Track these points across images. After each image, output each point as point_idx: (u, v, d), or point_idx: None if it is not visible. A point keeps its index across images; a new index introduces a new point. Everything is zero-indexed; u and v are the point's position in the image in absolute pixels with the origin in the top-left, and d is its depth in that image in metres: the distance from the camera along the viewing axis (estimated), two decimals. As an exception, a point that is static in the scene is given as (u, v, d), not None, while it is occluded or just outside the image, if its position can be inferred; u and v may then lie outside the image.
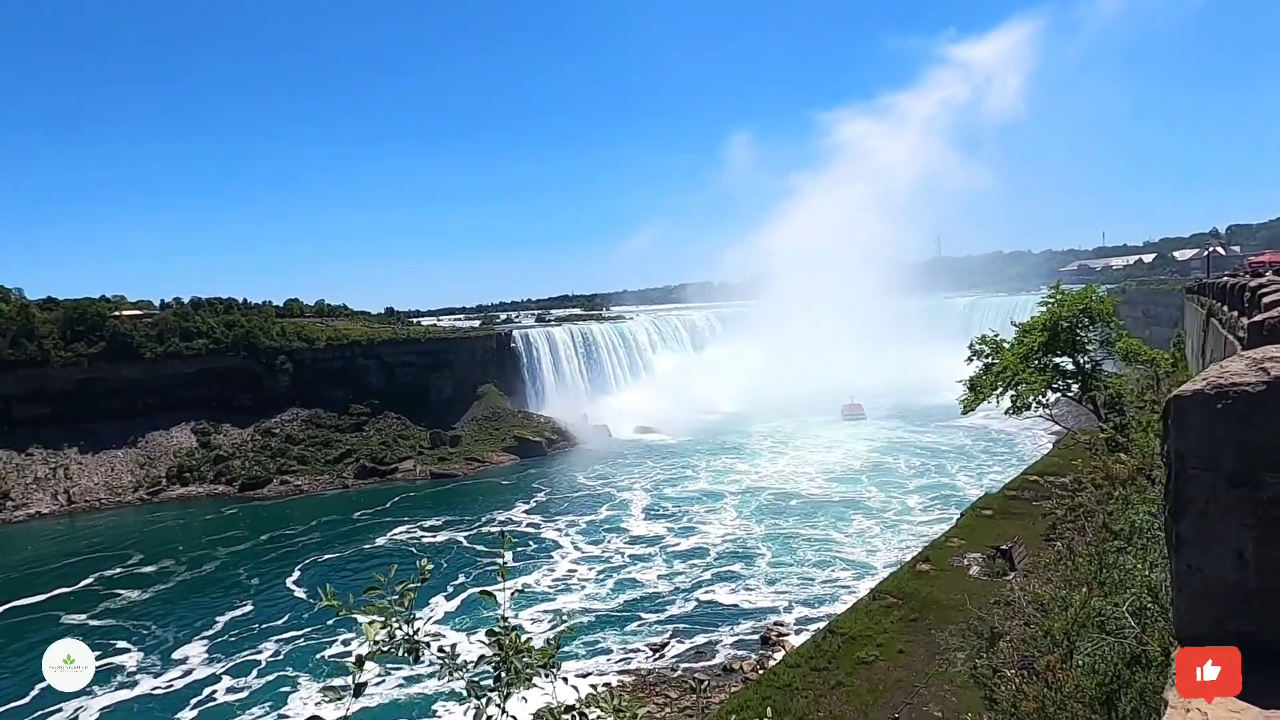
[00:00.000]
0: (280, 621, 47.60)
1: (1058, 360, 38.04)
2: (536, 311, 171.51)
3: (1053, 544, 22.82)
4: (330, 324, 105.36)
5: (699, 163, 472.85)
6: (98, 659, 43.02)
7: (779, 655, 33.56)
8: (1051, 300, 38.60)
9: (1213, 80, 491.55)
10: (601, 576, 52.20)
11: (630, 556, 55.76)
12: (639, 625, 44.19)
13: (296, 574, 56.19)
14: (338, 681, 38.58)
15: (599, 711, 3.60)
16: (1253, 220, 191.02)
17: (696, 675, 36.45)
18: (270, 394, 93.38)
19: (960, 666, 14.53)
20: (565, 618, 44.40)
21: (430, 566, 3.66)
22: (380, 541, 63.33)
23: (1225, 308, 25.52)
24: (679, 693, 35.15)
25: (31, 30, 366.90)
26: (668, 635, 42.47)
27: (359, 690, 3.28)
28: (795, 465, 79.21)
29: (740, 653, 39.45)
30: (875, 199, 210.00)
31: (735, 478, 75.96)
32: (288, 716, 36.89)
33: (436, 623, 43.37)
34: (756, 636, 41.17)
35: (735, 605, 46.04)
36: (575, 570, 53.61)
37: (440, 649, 3.50)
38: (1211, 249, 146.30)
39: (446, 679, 3.48)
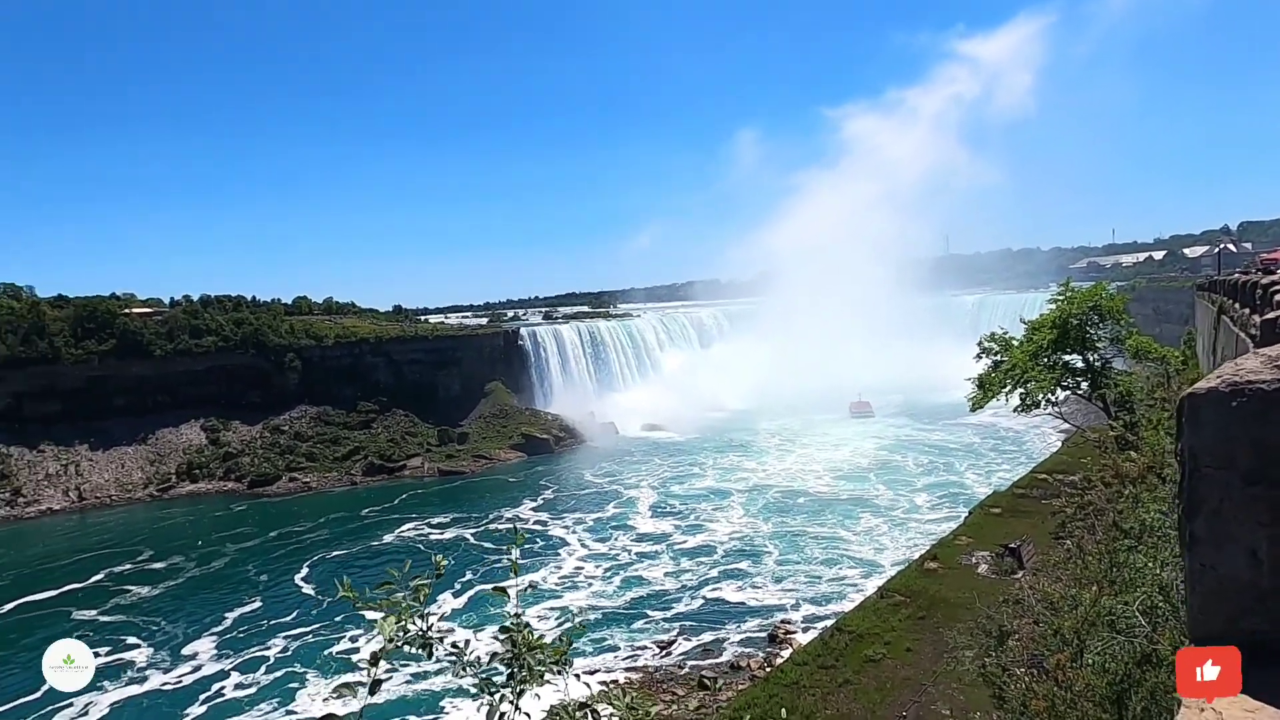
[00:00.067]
0: (289, 618, 47.81)
1: (1067, 358, 37.82)
2: (544, 309, 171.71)
3: (1062, 542, 22.73)
4: (338, 322, 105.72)
5: (705, 160, 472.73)
6: (108, 655, 43.50)
7: (786, 653, 33.54)
8: (1061, 297, 38.40)
9: (1223, 76, 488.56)
10: (609, 574, 52.24)
11: (637, 554, 55.79)
12: (646, 623, 44.22)
13: (305, 570, 56.43)
14: (350, 678, 38.82)
15: (611, 709, 3.60)
16: (1265, 217, 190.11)
17: (705, 673, 36.49)
18: (279, 391, 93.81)
19: (969, 665, 14.50)
20: (575, 614, 44.46)
21: (446, 563, 3.66)
22: (388, 539, 63.53)
23: (1237, 305, 25.35)
24: (686, 690, 35.17)
25: (32, 30, 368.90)
26: (675, 633, 42.50)
27: (375, 687, 3.29)
28: (803, 463, 79.09)
29: (748, 650, 39.45)
30: (883, 196, 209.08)
31: (742, 475, 75.90)
32: (296, 712, 37.04)
33: (444, 619, 43.48)
34: (764, 634, 41.17)
35: (742, 603, 46.01)
36: (582, 567, 53.66)
37: (453, 645, 3.50)
38: (1222, 246, 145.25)
39: (459, 675, 3.49)
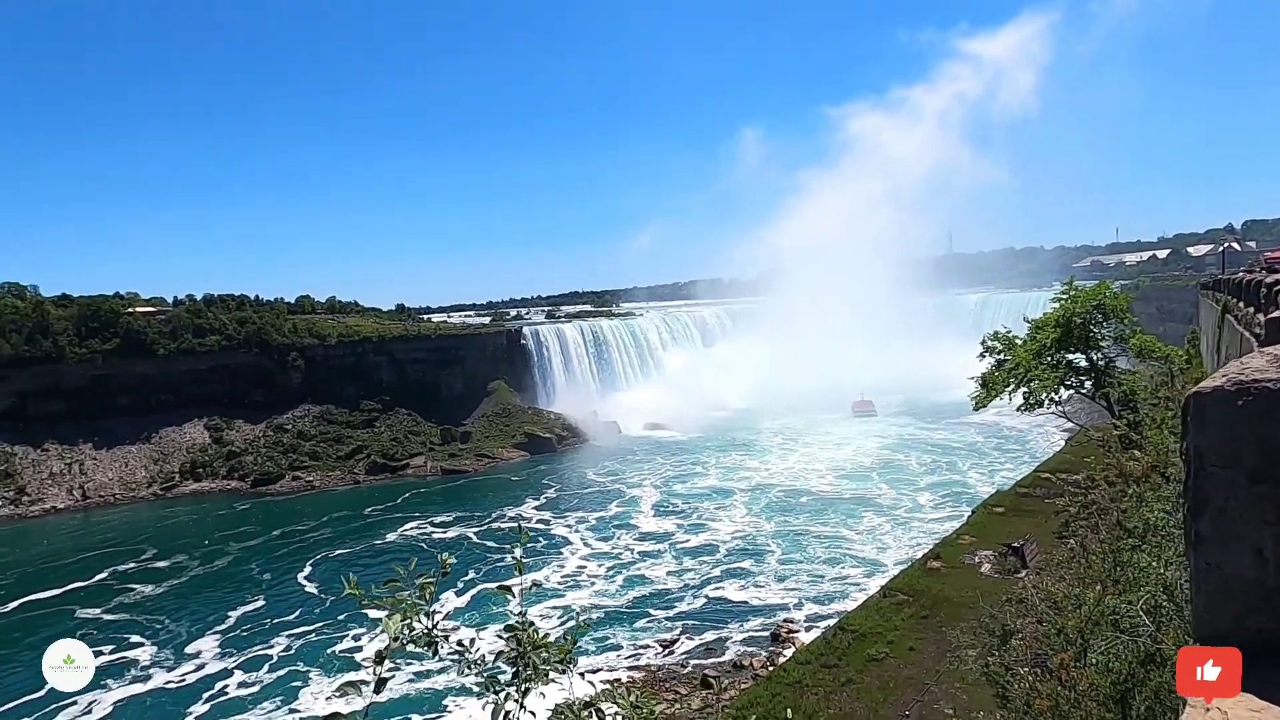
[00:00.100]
0: (292, 617, 47.90)
1: (1071, 357, 37.72)
2: (546, 308, 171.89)
3: (1065, 542, 22.70)
4: (341, 321, 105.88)
5: (707, 159, 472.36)
6: (111, 653, 43.61)
7: (789, 652, 33.55)
8: (1065, 296, 38.31)
9: (1228, 74, 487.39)
10: (611, 573, 52.27)
11: (640, 553, 55.80)
12: (648, 621, 44.24)
13: (308, 569, 56.52)
14: (353, 676, 38.86)
15: (615, 707, 3.60)
16: (1269, 215, 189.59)
17: (708, 672, 36.48)
18: (282, 390, 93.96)
19: (972, 664, 14.47)
20: (579, 613, 44.46)
21: (452, 561, 3.66)
22: (391, 537, 63.61)
23: (1241, 304, 25.32)
24: (689, 689, 35.17)
25: (33, 30, 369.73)
26: (677, 631, 42.50)
27: (380, 686, 3.29)
28: (805, 462, 79.05)
29: (750, 649, 39.43)
30: (886, 194, 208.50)
31: (745, 474, 75.89)
32: (298, 711, 37.10)
33: (448, 618, 43.50)
34: (766, 633, 41.15)
35: (745, 602, 46.01)
36: (585, 566, 53.69)
37: (459, 643, 3.50)
38: (1227, 244, 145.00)
39: (464, 674, 3.49)
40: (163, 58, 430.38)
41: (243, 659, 42.68)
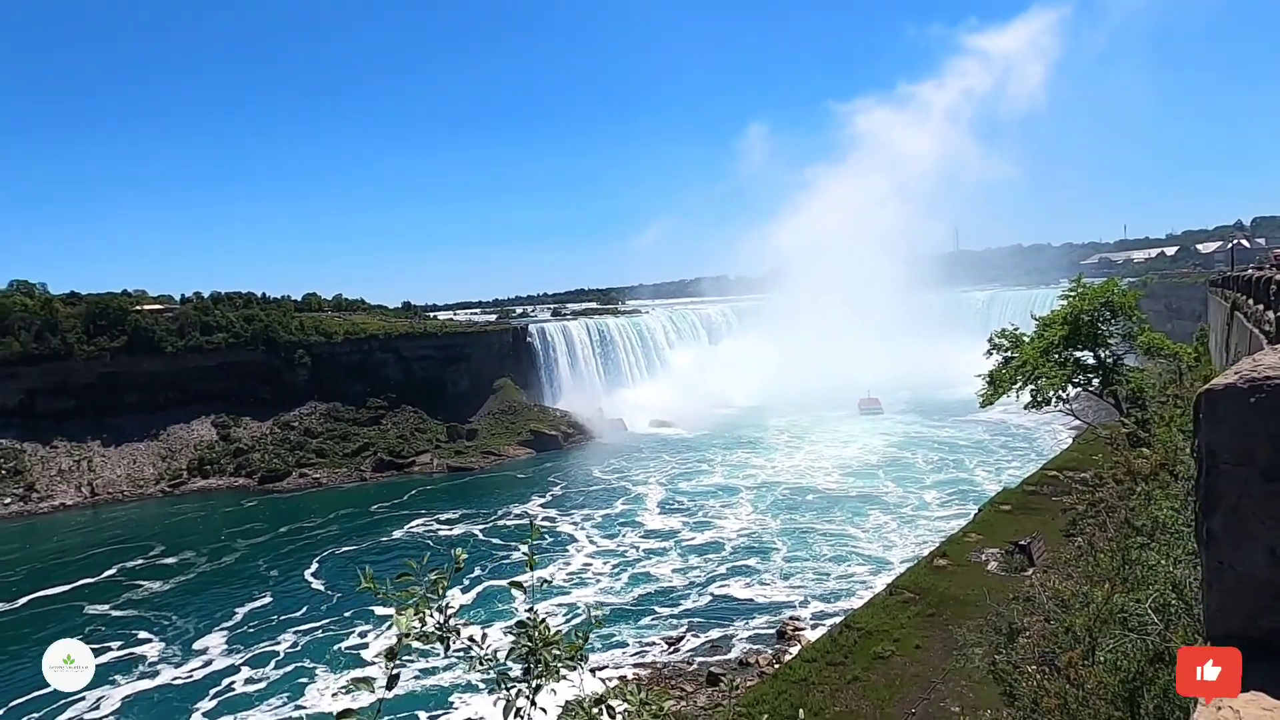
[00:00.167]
0: (299, 613, 48.10)
1: (1078, 354, 37.63)
2: (552, 305, 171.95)
3: (1073, 540, 22.62)
4: (348, 318, 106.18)
5: (714, 156, 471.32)
6: (119, 649, 43.87)
7: (795, 650, 33.50)
8: (1073, 293, 38.19)
9: (1238, 70, 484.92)
10: (616, 570, 52.33)
11: (645, 550, 55.83)
12: (654, 619, 44.28)
13: (315, 566, 56.73)
14: (360, 673, 38.99)
15: (626, 704, 3.60)
16: (1279, 212, 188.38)
17: (714, 669, 36.49)
18: (289, 387, 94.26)
19: (978, 662, 14.43)
20: (590, 609, 44.48)
21: (465, 556, 3.65)
22: (397, 534, 63.79)
23: (1251, 301, 25.18)
24: (695, 686, 35.21)
25: (33, 30, 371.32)
26: (683, 629, 42.54)
27: (392, 682, 3.29)
28: (811, 460, 78.99)
29: (756, 647, 39.44)
30: (893, 191, 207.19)
31: (751, 472, 75.85)
32: (305, 707, 37.23)
33: (453, 615, 43.60)
34: (772, 631, 41.14)
35: (750, 600, 46.01)
36: (590, 564, 53.76)
37: (470, 638, 3.50)
38: (1236, 241, 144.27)
39: (475, 670, 3.48)
40: (163, 58, 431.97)
41: (250, 655, 42.87)
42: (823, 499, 64.96)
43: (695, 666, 37.80)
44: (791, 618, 42.38)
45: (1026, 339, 39.50)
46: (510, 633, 3.62)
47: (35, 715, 37.49)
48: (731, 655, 38.79)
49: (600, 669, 36.41)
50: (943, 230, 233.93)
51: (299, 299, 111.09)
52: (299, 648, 43.53)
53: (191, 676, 41.19)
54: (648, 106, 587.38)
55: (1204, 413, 2.47)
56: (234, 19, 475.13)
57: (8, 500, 75.70)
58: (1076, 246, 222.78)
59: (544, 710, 3.48)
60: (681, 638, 41.46)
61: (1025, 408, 39.70)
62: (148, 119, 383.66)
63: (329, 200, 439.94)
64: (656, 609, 45.62)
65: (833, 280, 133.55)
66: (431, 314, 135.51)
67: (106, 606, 51.41)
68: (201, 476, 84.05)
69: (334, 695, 37.58)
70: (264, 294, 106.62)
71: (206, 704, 38.18)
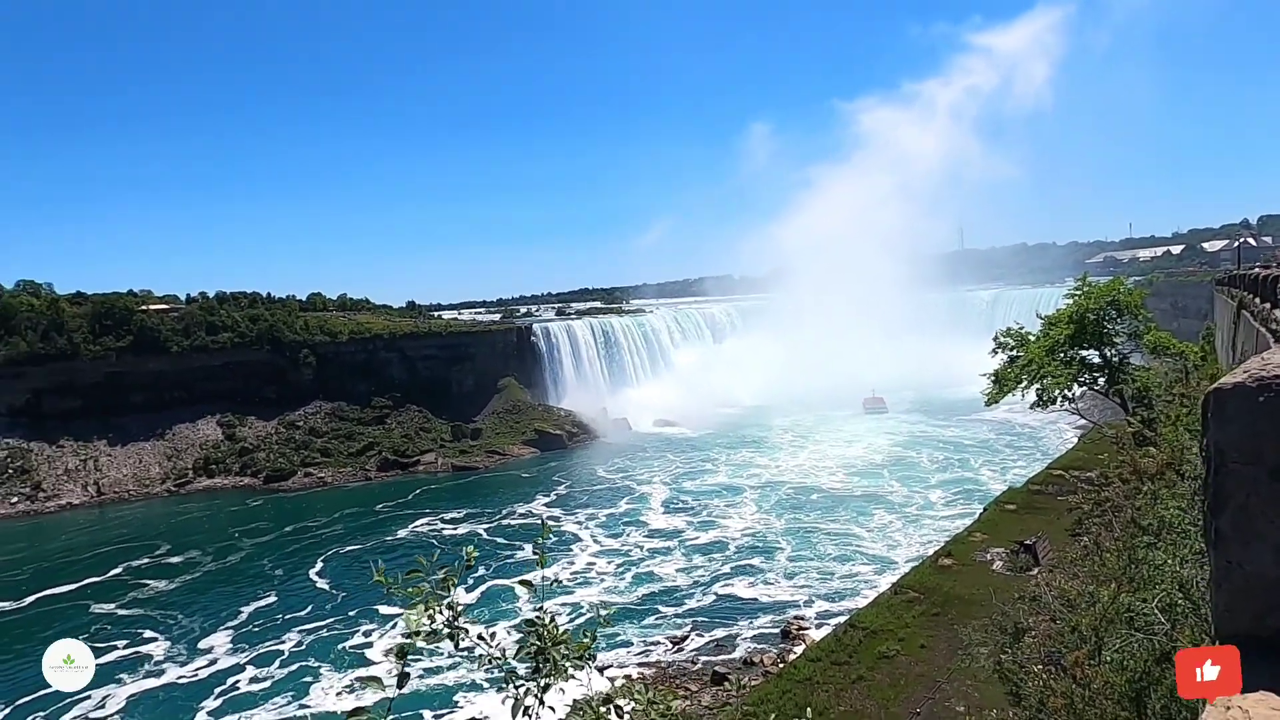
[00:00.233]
0: (303, 612, 48.20)
1: (1084, 353, 37.51)
2: (556, 305, 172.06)
3: (1078, 539, 22.56)
4: (353, 318, 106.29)
5: (717, 155, 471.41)
6: (125, 648, 44.02)
7: (799, 649, 33.50)
8: (1078, 292, 38.09)
9: (1244, 68, 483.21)
10: (621, 570, 52.35)
11: (650, 550, 55.84)
12: (658, 618, 44.29)
13: (319, 565, 56.84)
14: (364, 672, 39.04)
15: (634, 703, 3.60)
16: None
17: (719, 668, 36.49)
18: (294, 387, 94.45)
19: (984, 661, 14.42)
20: (598, 607, 44.50)
21: (476, 554, 3.66)
22: (402, 534, 63.89)
23: (1257, 300, 25.11)
24: (699, 685, 35.21)
25: (34, 30, 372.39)
26: (687, 628, 42.54)
27: (402, 680, 3.29)
28: (816, 459, 78.91)
29: (761, 646, 39.42)
30: (897, 189, 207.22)
31: (755, 472, 75.81)
32: (310, 706, 37.33)
33: (462, 613, 43.64)
34: (776, 630, 41.12)
35: (755, 599, 46.00)
36: (594, 563, 53.79)
37: (479, 636, 3.50)
38: (1242, 240, 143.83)
39: (482, 668, 3.48)
40: (163, 58, 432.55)
41: (255, 654, 42.99)
42: (827, 498, 64.90)
43: (700, 666, 37.82)
44: (796, 617, 42.35)
45: (1032, 338, 39.40)
46: (519, 631, 3.62)
47: (41, 714, 37.62)
48: (736, 655, 38.78)
49: (605, 668, 36.42)
50: (947, 229, 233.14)
51: (304, 299, 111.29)
52: (304, 647, 43.63)
53: (197, 675, 41.32)
54: (648, 106, 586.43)
55: (1213, 411, 2.47)
56: (234, 19, 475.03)
57: (14, 499, 76.03)
58: (1081, 245, 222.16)
59: (552, 709, 3.48)
60: (686, 637, 41.46)
61: (1031, 407, 39.61)
62: (148, 119, 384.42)
63: (330, 200, 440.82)
64: (661, 608, 45.63)
65: (837, 279, 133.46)
66: (436, 313, 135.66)
67: (112, 605, 51.59)
68: (207, 476, 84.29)
69: (338, 694, 37.70)
70: (269, 294, 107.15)
71: (211, 703, 38.29)
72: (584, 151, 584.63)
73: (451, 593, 3.44)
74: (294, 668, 41.23)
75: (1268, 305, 21.59)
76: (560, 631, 3.61)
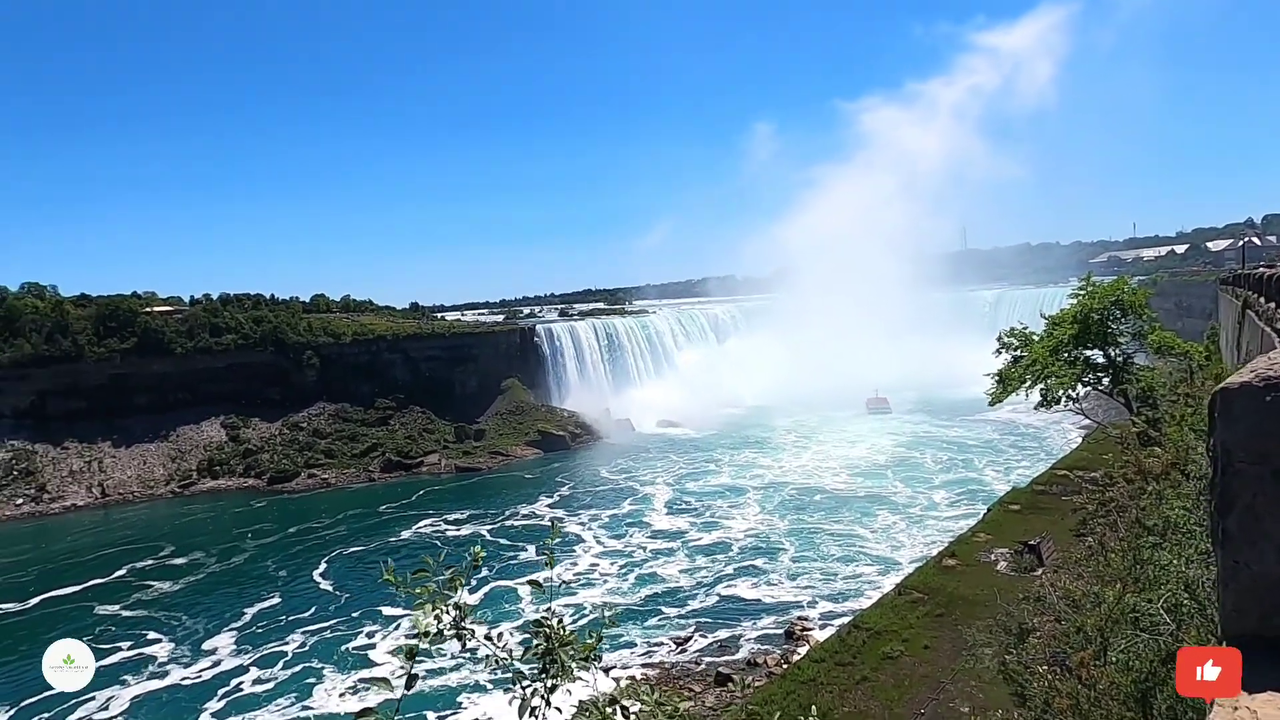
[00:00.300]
0: (307, 614, 48.23)
1: (1088, 353, 37.47)
2: (559, 305, 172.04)
3: (1083, 539, 22.51)
4: (356, 319, 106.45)
5: (720, 155, 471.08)
6: (129, 649, 44.09)
7: (803, 650, 33.48)
8: (1082, 292, 38.05)
9: (1248, 67, 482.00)
10: (624, 570, 52.32)
11: (653, 551, 55.81)
12: (662, 620, 44.26)
13: (323, 566, 56.88)
14: (367, 673, 39.08)
15: (640, 704, 3.59)
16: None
17: (723, 669, 36.46)
18: (298, 388, 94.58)
19: (988, 662, 14.40)
20: (602, 609, 44.51)
21: (483, 554, 3.65)
22: (406, 535, 63.92)
23: (1262, 299, 25.05)
24: (703, 687, 35.19)
25: (34, 30, 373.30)
26: (691, 629, 42.50)
27: (411, 682, 3.29)
28: (819, 460, 78.82)
29: (764, 647, 39.39)
30: (900, 189, 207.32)
31: (758, 472, 75.75)
32: (313, 708, 37.36)
33: (469, 614, 43.65)
34: (780, 631, 41.07)
35: (758, 600, 45.94)
36: (598, 564, 53.77)
37: (486, 637, 3.50)
38: (1247, 239, 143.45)
39: (489, 669, 3.48)
40: (163, 58, 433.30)
41: (258, 656, 43.02)
42: (830, 499, 64.82)
43: (703, 666, 37.79)
44: (800, 618, 42.30)
45: (1036, 338, 39.35)
46: (525, 632, 3.62)
47: (46, 715, 37.68)
48: (739, 655, 38.75)
49: (609, 669, 36.41)
50: (950, 229, 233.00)
51: (307, 300, 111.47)
52: (307, 648, 43.66)
53: (201, 677, 41.35)
54: (649, 106, 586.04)
55: (1219, 411, 2.46)
56: (234, 19, 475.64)
57: (19, 501, 76.24)
58: (1085, 245, 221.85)
59: (559, 710, 3.48)
60: (689, 638, 41.43)
61: (1035, 407, 39.60)
62: (148, 119, 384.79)
63: (331, 200, 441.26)
64: (664, 609, 45.60)
65: (840, 279, 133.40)
66: (439, 314, 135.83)
67: (117, 607, 51.67)
68: (211, 477, 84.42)
69: (341, 695, 37.72)
70: (272, 295, 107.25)
71: (215, 704, 38.32)
72: (585, 151, 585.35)
73: (459, 593, 3.44)
74: (298, 669, 41.24)
75: (1273, 305, 21.53)
76: (567, 632, 3.61)
